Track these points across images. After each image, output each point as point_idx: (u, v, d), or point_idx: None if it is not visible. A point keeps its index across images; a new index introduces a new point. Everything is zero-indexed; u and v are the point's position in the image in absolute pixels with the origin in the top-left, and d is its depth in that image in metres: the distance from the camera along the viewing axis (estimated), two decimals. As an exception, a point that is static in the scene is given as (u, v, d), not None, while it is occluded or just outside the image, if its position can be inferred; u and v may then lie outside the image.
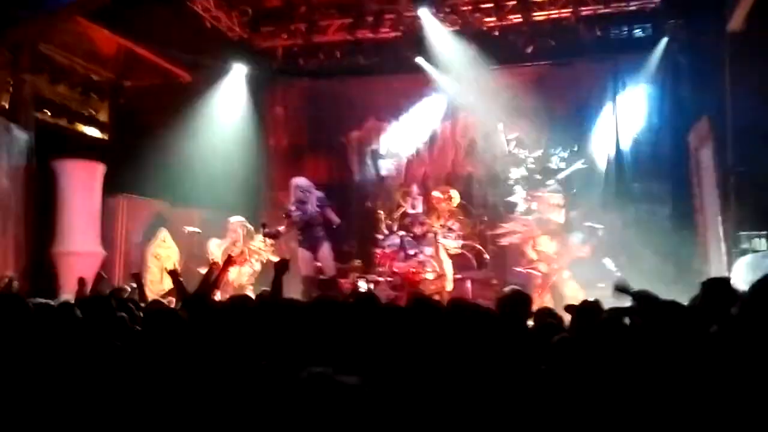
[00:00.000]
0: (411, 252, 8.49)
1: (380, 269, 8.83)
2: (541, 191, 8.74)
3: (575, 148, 9.29)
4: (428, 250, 8.51)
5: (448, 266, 8.35)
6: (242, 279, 8.38)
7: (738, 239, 6.85)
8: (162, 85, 9.31)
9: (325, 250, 8.42)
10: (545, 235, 8.13)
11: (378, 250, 8.89)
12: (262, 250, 8.64)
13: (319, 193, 8.64)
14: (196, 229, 8.69)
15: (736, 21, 7.14)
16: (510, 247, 8.83)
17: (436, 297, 6.85)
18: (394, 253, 8.63)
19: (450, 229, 8.77)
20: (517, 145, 9.61)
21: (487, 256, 9.13)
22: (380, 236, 9.12)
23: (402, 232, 8.88)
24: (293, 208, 8.43)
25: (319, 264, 8.44)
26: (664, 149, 8.96)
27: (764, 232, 6.72)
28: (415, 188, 9.43)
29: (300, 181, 8.74)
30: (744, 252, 6.71)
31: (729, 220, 7.00)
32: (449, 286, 8.26)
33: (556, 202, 8.45)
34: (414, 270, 8.33)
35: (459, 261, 8.79)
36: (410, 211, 8.99)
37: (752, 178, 6.73)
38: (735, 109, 7.00)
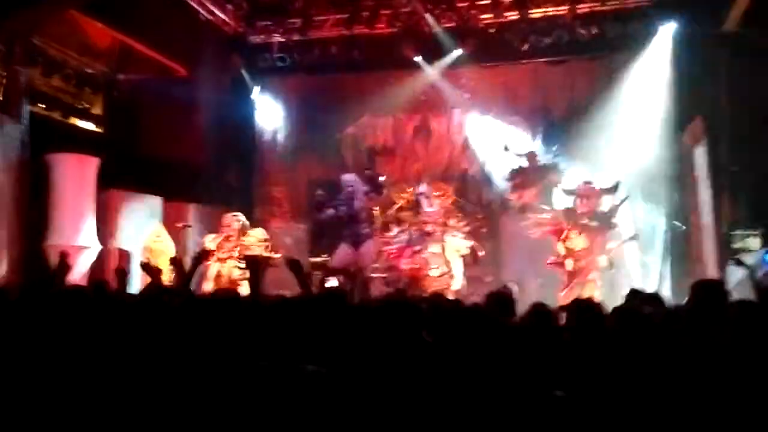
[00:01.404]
0: (417, 248, 8.48)
1: (375, 265, 8.83)
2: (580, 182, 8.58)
3: (570, 146, 9.31)
4: (435, 247, 8.45)
5: (455, 265, 8.28)
6: (234, 273, 8.34)
7: (731, 238, 6.90)
8: (156, 79, 9.26)
9: (369, 246, 8.34)
10: (575, 230, 7.91)
11: (386, 248, 8.87)
12: (254, 245, 8.60)
13: (365, 187, 8.56)
14: (189, 224, 8.66)
15: (732, 21, 7.18)
16: (528, 244, 8.70)
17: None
18: (401, 250, 8.62)
19: (459, 230, 8.74)
20: (512, 142, 9.62)
21: (481, 252, 9.13)
22: (389, 233, 9.11)
23: (410, 230, 8.85)
24: (341, 203, 8.39)
25: (357, 261, 8.36)
26: (659, 148, 8.99)
27: (757, 231, 6.76)
28: (419, 187, 9.39)
29: (347, 177, 8.73)
30: (737, 251, 6.76)
31: (722, 219, 7.04)
32: (456, 285, 8.19)
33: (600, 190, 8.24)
34: (417, 266, 8.29)
35: (462, 257, 8.74)
36: (428, 209, 8.90)
37: (746, 178, 6.77)
38: (729, 108, 7.03)
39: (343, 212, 8.26)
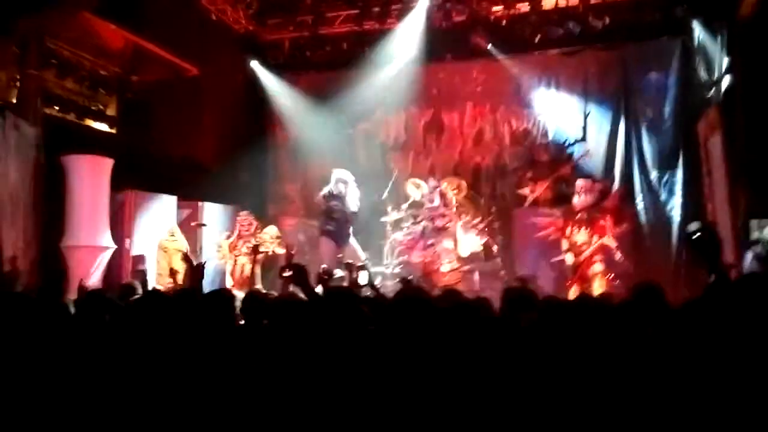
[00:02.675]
0: (429, 242, 8.48)
1: (387, 261, 8.85)
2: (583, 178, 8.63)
3: (583, 138, 9.24)
4: (447, 243, 8.46)
5: (467, 261, 8.31)
6: (247, 270, 8.40)
7: (748, 228, 6.79)
8: (169, 79, 9.32)
9: (351, 245, 8.42)
10: (576, 225, 8.00)
11: (399, 239, 8.92)
12: (268, 242, 8.66)
13: (358, 193, 8.63)
14: (203, 223, 8.74)
15: (746, 8, 7.05)
16: (540, 238, 8.74)
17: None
18: (413, 242, 8.64)
19: (473, 226, 8.74)
20: (524, 134, 9.57)
21: (495, 247, 9.10)
22: (405, 224, 9.14)
23: (424, 223, 8.87)
24: (335, 201, 8.44)
25: (341, 256, 8.41)
26: (674, 138, 8.88)
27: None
28: (431, 182, 9.40)
29: (341, 174, 8.78)
30: (754, 241, 6.65)
31: (739, 209, 6.93)
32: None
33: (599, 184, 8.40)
34: (429, 260, 8.32)
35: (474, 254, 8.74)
36: (428, 205, 8.95)
37: (762, 167, 6.65)
38: (745, 97, 6.91)
39: (337, 208, 8.31)
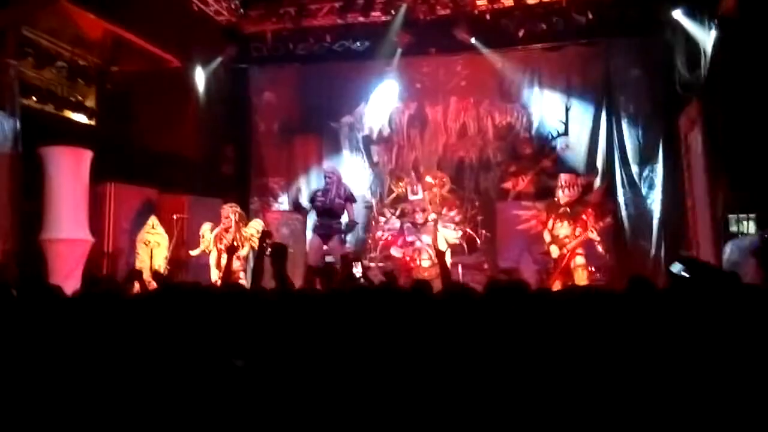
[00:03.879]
0: (409, 239, 8.48)
1: (372, 254, 8.85)
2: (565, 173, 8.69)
3: (565, 132, 9.30)
4: (426, 238, 8.49)
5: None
6: (233, 264, 8.32)
7: (727, 222, 6.88)
8: (150, 70, 9.19)
9: (337, 240, 8.38)
10: (558, 219, 8.08)
11: (378, 234, 8.92)
12: (254, 236, 8.60)
13: (346, 185, 8.56)
14: (184, 215, 8.64)
15: (728, 4, 7.12)
16: (522, 231, 8.79)
17: None
18: (393, 238, 8.64)
19: (450, 219, 8.78)
20: (508, 128, 9.61)
21: (478, 241, 9.15)
22: (382, 218, 9.12)
23: (401, 219, 8.87)
24: (319, 194, 8.40)
25: (326, 249, 8.38)
26: (654, 133, 8.97)
27: (753, 215, 6.75)
28: (413, 175, 9.41)
29: (328, 168, 8.76)
30: (733, 235, 6.75)
31: (718, 203, 7.02)
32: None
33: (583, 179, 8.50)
34: (409, 257, 8.35)
35: (451, 246, 8.79)
36: (411, 197, 8.96)
37: (741, 162, 6.73)
38: (725, 92, 6.99)
39: (320, 203, 8.27)
